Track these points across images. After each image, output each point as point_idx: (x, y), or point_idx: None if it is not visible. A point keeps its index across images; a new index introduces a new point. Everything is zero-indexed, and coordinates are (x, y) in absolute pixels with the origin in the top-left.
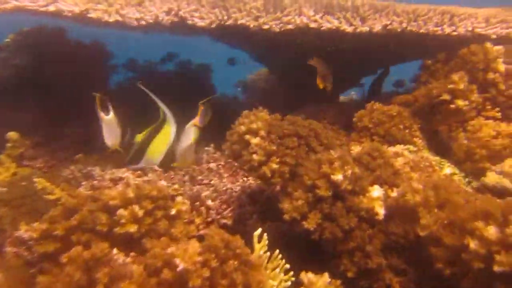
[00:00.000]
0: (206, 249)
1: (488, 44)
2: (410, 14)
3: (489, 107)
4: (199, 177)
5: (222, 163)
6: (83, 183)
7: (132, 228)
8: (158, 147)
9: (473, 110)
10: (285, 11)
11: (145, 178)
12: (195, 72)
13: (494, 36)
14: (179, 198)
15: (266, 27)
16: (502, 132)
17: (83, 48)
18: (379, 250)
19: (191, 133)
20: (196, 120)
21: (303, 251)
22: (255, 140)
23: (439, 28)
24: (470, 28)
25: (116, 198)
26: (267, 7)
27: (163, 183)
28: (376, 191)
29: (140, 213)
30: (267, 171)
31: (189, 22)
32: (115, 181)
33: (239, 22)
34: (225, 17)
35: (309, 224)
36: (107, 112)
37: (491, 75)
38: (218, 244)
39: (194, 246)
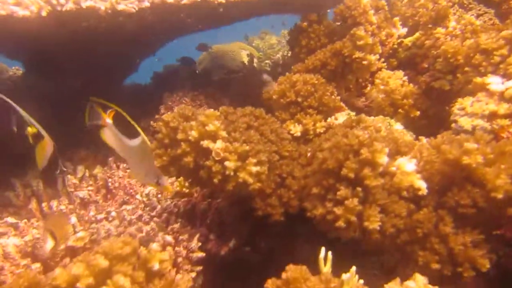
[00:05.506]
0: None
1: None
2: None
3: None
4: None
5: (89, 187)
6: None
7: None
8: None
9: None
10: None
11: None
12: None
13: None
14: (153, 245)
15: (120, 7)
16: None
17: None
18: (452, 228)
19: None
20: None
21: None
22: (218, 145)
23: None
24: None
25: (82, 277)
26: None
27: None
28: (408, 164)
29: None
30: (248, 176)
31: (1, 12)
32: None
33: (84, 4)
34: (62, 0)
35: (372, 224)
36: None
37: (369, 28)
38: None
39: None
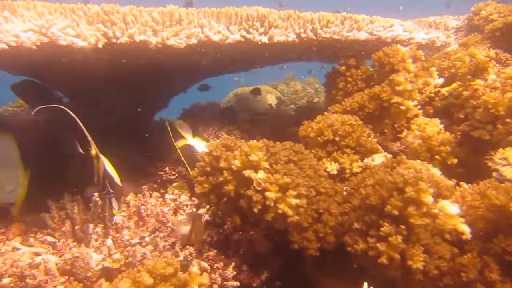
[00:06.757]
0: None
1: (399, 46)
2: (322, 21)
3: None
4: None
5: (122, 213)
6: None
7: None
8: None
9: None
10: (183, 23)
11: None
12: None
13: (389, 40)
14: (193, 268)
15: (170, 42)
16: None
17: None
18: (499, 276)
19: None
20: None
21: None
22: (260, 175)
23: (351, 34)
24: (375, 32)
25: None
26: (164, 19)
27: (94, 256)
28: (452, 207)
29: None
30: (287, 208)
31: (62, 42)
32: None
33: (138, 38)
34: (118, 33)
35: (415, 263)
36: None
37: (406, 75)
38: None
39: None
